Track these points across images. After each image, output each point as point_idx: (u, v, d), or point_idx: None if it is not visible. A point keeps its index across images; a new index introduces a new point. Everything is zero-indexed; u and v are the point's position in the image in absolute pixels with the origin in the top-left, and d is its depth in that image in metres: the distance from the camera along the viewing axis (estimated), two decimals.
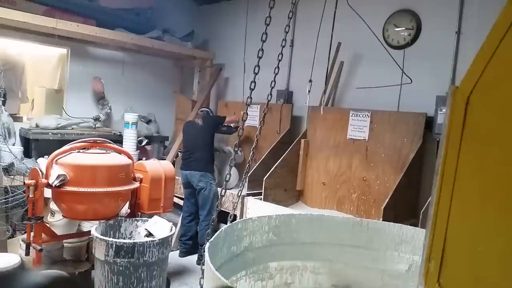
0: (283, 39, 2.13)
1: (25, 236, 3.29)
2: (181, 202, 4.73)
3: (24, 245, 3.14)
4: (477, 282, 0.95)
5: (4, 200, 3.71)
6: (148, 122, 5.94)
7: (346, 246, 2.27)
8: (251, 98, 2.05)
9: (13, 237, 3.82)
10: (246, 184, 4.16)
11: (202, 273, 1.75)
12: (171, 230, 3.28)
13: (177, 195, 4.73)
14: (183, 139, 4.78)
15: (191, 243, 4.54)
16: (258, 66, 1.98)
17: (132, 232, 3.47)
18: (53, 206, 3.54)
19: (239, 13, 5.68)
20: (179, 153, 5.35)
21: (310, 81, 3.90)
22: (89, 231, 3.27)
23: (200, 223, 4.43)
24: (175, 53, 5.73)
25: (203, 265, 1.60)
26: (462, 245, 0.99)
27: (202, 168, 4.39)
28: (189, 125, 4.72)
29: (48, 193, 3.22)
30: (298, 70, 5.10)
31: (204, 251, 1.57)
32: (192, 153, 4.44)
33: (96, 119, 5.25)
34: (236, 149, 2.18)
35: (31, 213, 3.07)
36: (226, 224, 1.99)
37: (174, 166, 4.14)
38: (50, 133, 4.66)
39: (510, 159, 0.90)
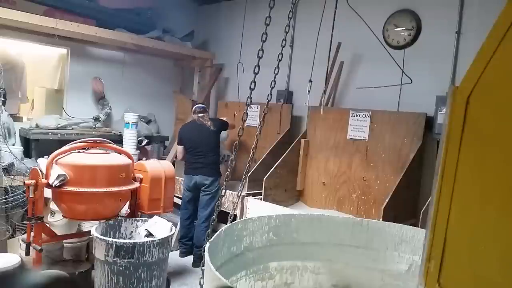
0: (283, 39, 2.13)
1: (25, 236, 3.28)
2: (181, 202, 4.70)
3: (24, 245, 3.13)
4: (477, 282, 0.95)
5: (4, 200, 3.71)
6: (148, 122, 5.94)
7: (346, 246, 2.27)
8: (251, 98, 2.05)
9: (13, 237, 3.81)
10: (246, 184, 4.16)
11: (202, 273, 1.75)
12: (171, 230, 3.28)
13: (177, 195, 4.71)
14: (187, 141, 4.46)
15: (191, 243, 4.52)
16: (258, 66, 1.98)
17: (132, 232, 3.47)
18: (53, 206, 3.54)
19: (239, 13, 5.68)
20: None
21: (310, 81, 3.90)
22: (89, 231, 3.27)
23: (200, 224, 4.37)
24: (175, 53, 5.72)
25: (203, 265, 1.60)
26: (462, 245, 0.99)
27: (215, 173, 4.35)
28: (193, 127, 4.47)
29: (48, 193, 3.21)
30: (298, 70, 5.10)
31: (200, 253, 1.57)
32: (202, 157, 4.33)
33: (96, 119, 5.24)
34: (236, 150, 2.17)
35: (31, 213, 3.06)
36: (226, 224, 1.99)
37: (174, 166, 4.13)
38: (50, 133, 4.65)
39: (510, 159, 0.90)
